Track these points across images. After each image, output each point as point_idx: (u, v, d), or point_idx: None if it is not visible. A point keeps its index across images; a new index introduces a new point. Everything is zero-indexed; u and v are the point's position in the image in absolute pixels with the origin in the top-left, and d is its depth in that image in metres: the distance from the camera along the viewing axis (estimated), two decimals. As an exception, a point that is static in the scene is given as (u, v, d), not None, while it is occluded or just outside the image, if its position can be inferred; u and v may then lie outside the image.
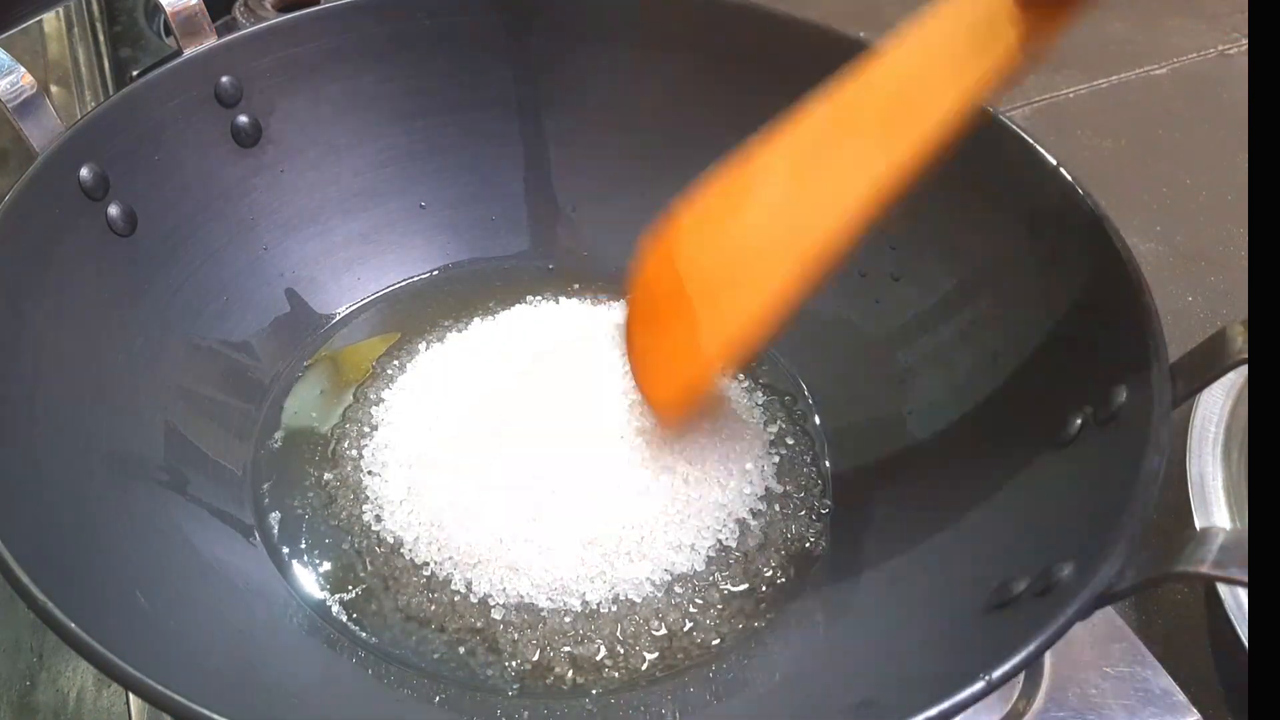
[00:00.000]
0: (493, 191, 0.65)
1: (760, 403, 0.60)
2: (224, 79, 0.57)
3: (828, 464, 0.57)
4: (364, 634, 0.49)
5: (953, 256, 0.56)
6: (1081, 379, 0.46)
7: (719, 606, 0.51)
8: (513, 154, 0.65)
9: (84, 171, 0.50)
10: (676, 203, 0.48)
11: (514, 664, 0.48)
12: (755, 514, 0.54)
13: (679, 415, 0.44)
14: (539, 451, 0.53)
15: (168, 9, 0.55)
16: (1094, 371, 0.45)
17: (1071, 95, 0.91)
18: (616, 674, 0.49)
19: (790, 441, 0.58)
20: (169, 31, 0.56)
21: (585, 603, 0.50)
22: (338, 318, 0.63)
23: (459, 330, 0.63)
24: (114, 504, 0.47)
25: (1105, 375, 0.44)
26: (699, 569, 0.52)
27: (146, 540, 0.48)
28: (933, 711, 0.34)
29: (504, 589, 0.50)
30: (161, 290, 0.55)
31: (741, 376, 0.61)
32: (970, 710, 0.35)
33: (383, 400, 0.59)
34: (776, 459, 0.57)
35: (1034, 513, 0.45)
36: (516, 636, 0.49)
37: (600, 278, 0.65)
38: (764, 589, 0.52)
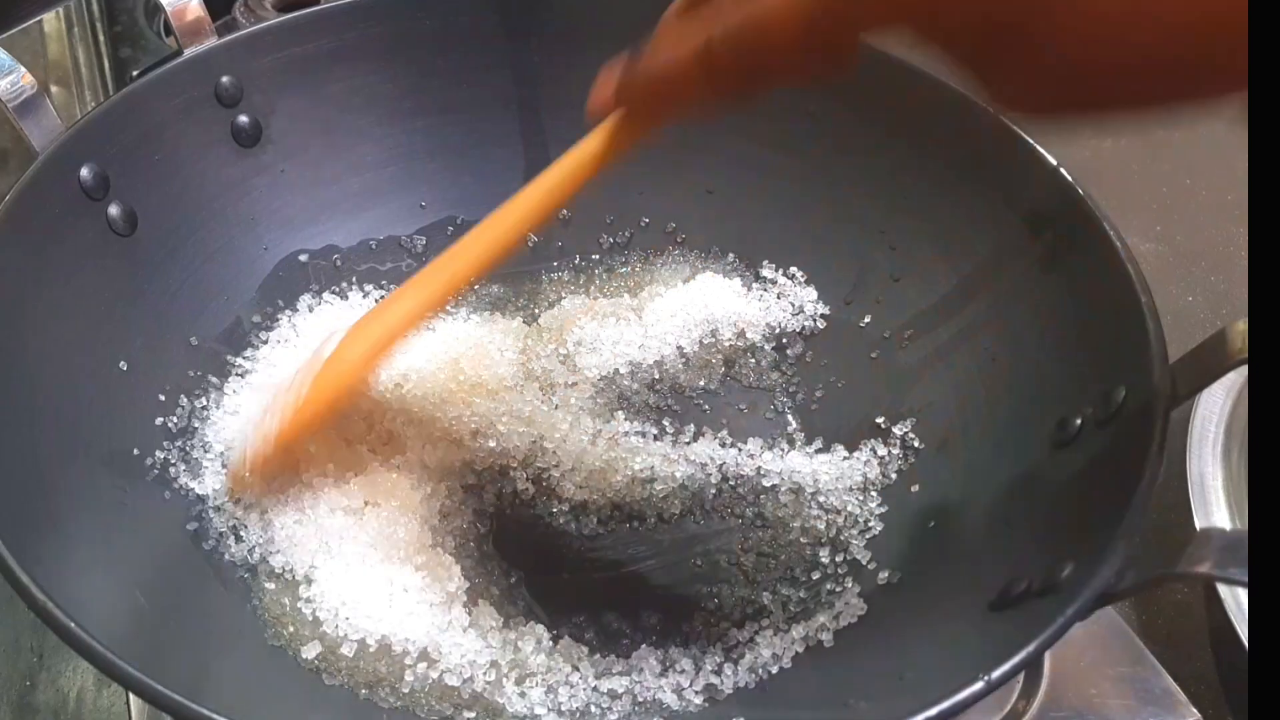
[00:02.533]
0: (493, 191, 0.65)
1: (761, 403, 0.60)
2: (224, 79, 0.57)
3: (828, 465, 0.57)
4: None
5: (953, 257, 0.56)
6: (1081, 379, 0.46)
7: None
8: (513, 154, 0.65)
9: (84, 171, 0.50)
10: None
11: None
12: (755, 514, 0.55)
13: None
14: None
15: (168, 9, 0.55)
16: (1094, 371, 0.45)
17: (1071, 95, 0.90)
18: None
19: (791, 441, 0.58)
20: (169, 31, 0.56)
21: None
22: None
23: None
24: (114, 504, 0.47)
25: (1105, 375, 0.44)
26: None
27: (146, 540, 0.48)
28: (933, 711, 0.34)
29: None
30: (161, 290, 0.55)
31: (741, 376, 0.61)
32: (970, 710, 0.35)
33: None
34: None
35: (1034, 513, 0.45)
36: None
37: (601, 277, 0.65)
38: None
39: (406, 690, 0.46)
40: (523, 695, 0.46)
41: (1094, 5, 0.25)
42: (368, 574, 0.48)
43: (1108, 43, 0.26)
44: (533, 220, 0.46)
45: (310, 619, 0.47)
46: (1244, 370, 0.51)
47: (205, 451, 0.53)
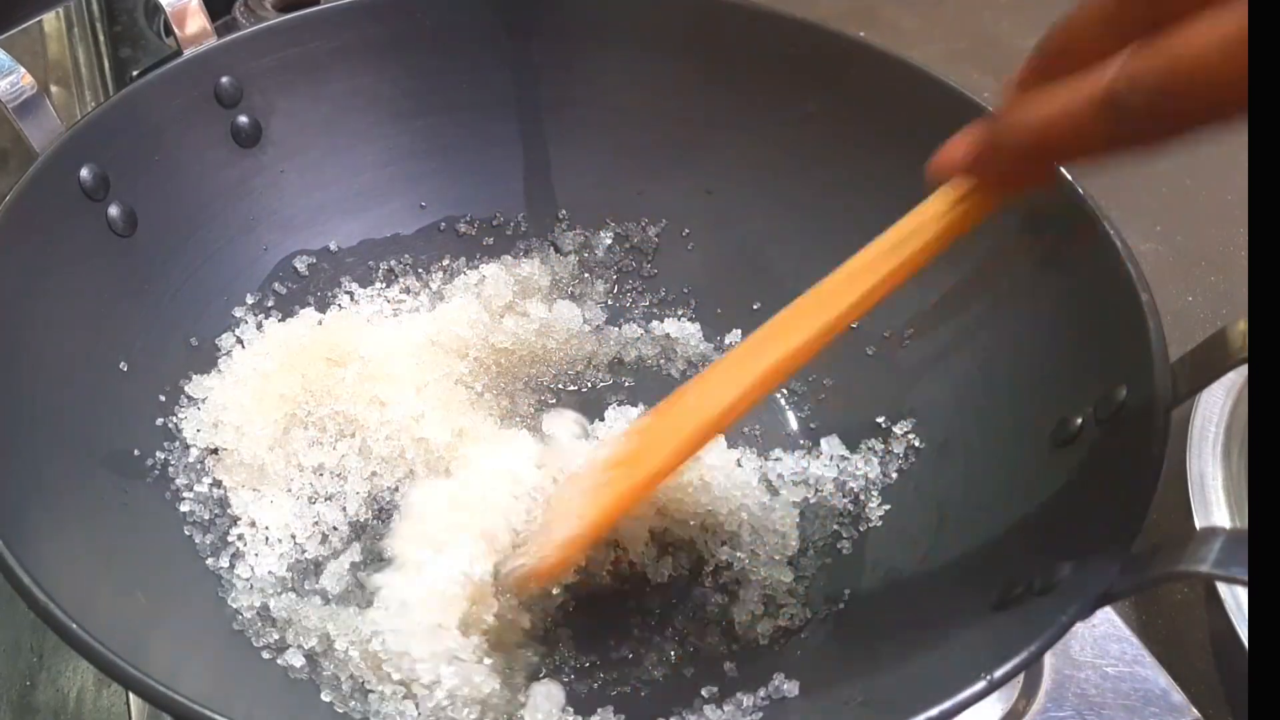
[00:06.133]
0: (493, 191, 0.65)
1: (761, 405, 0.60)
2: (224, 79, 0.57)
3: (828, 465, 0.57)
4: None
5: (953, 256, 0.56)
6: (1081, 379, 0.46)
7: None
8: (513, 154, 0.65)
9: (84, 172, 0.50)
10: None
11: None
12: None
13: None
14: None
15: (168, 9, 0.55)
16: (1094, 371, 0.45)
17: (1071, 95, 0.90)
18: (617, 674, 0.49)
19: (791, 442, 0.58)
20: (169, 31, 0.56)
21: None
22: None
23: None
24: (114, 504, 0.47)
25: (1105, 375, 0.44)
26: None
27: (146, 540, 0.48)
28: (934, 711, 0.34)
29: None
30: (161, 290, 0.55)
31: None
32: (971, 710, 0.35)
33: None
34: (777, 460, 0.57)
35: (1034, 512, 0.45)
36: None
37: (600, 278, 0.65)
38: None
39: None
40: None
41: None
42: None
43: None
44: (869, 300, 0.42)
45: (307, 626, 0.47)
46: (1244, 370, 0.51)
47: (206, 451, 0.53)
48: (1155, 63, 0.29)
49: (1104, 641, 0.52)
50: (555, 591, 0.50)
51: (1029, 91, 0.33)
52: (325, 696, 0.45)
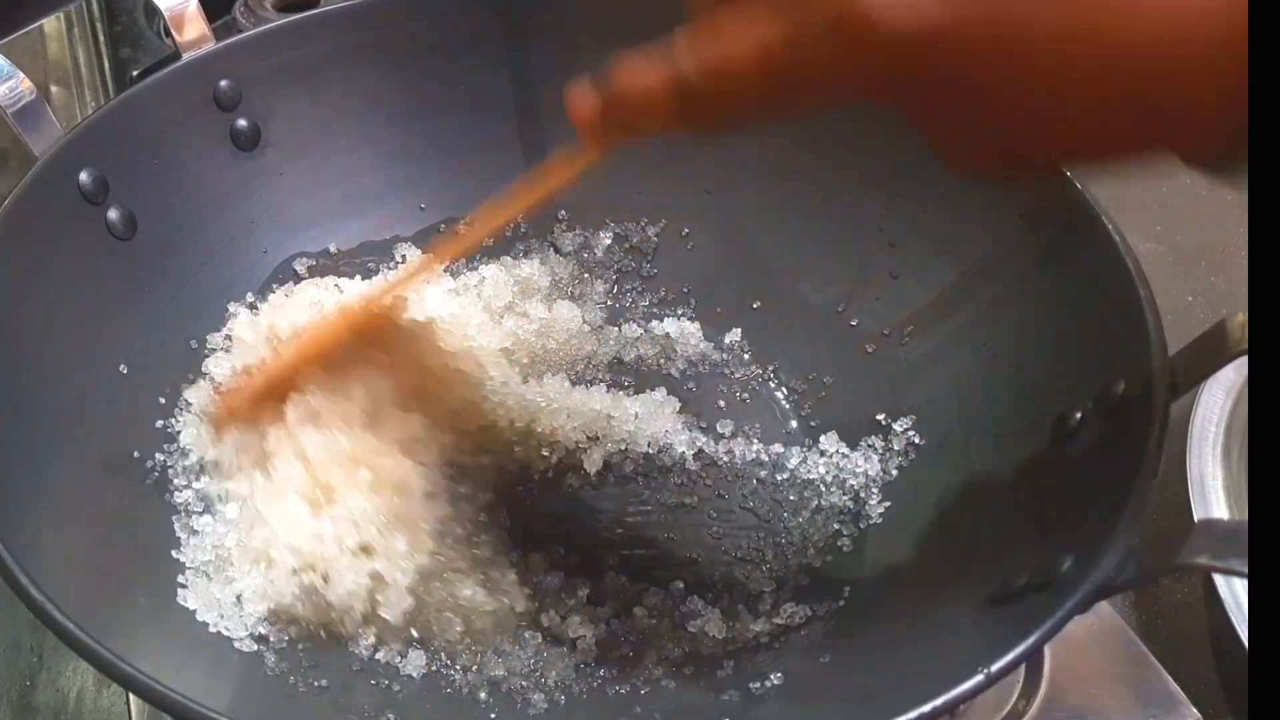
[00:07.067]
0: (492, 192, 0.65)
1: (761, 402, 0.60)
2: (222, 83, 0.57)
3: (828, 462, 0.57)
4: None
5: (952, 253, 0.56)
6: (1081, 373, 0.46)
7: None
8: (511, 155, 0.65)
9: (84, 176, 0.51)
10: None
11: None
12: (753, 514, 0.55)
13: None
14: None
15: (166, 13, 0.55)
16: (1094, 365, 0.45)
17: (1070, 95, 0.90)
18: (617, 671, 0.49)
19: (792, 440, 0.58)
20: (169, 32, 0.56)
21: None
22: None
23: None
24: (114, 504, 0.48)
25: (1105, 369, 0.44)
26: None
27: (146, 540, 0.48)
28: (932, 705, 0.34)
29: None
30: (161, 292, 0.55)
31: (742, 376, 0.61)
32: (971, 709, 0.35)
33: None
34: (777, 457, 0.57)
35: (1034, 506, 0.45)
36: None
37: (600, 278, 0.65)
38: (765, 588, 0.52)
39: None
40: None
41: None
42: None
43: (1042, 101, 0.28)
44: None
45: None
46: (1244, 371, 0.51)
47: (206, 452, 0.53)
48: (706, 59, 0.35)
49: (1104, 641, 0.52)
50: (573, 604, 0.50)
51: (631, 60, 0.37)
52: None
